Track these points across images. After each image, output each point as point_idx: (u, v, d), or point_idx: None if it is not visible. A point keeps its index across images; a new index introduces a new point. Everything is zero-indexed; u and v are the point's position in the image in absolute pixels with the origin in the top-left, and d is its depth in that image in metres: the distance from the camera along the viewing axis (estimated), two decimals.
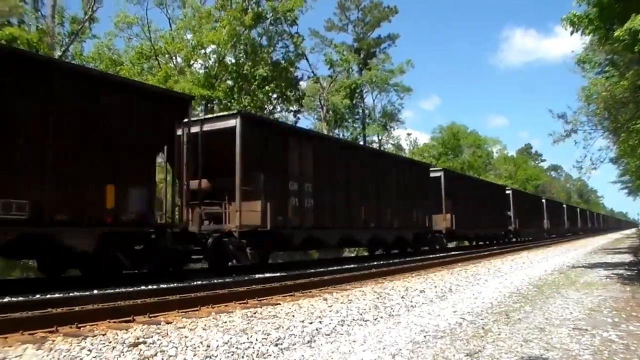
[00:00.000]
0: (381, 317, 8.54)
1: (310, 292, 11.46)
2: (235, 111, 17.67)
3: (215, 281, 12.88)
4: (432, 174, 30.91)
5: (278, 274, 15.09)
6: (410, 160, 33.75)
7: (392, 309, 9.38)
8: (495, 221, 40.88)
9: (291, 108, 43.56)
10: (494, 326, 7.77)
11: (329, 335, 7.07)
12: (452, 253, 28.29)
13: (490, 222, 39.46)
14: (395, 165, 26.42)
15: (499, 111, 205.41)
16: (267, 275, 14.97)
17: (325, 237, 20.13)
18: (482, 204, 37.58)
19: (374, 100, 60.41)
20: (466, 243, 40.90)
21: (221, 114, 18.30)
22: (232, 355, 5.84)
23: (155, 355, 5.66)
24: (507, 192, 47.32)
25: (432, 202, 29.49)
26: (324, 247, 23.40)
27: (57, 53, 28.12)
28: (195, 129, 16.04)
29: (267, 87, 36.43)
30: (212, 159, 16.40)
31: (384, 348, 6.31)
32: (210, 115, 18.52)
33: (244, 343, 6.26)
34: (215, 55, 34.84)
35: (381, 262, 20.22)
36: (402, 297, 10.73)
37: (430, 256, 24.94)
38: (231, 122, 16.45)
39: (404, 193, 25.84)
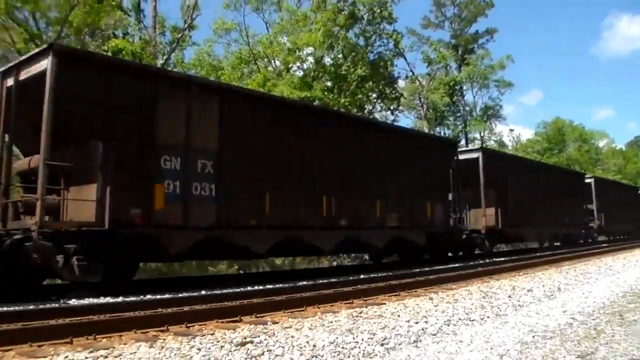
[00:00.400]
0: (488, 317, 8.39)
1: (415, 291, 11.36)
2: (47, 45, 11.09)
3: (321, 281, 12.95)
4: (463, 156, 23.57)
5: (383, 274, 15.05)
6: (421, 134, 26.50)
7: (499, 308, 9.19)
8: (570, 217, 32.98)
9: (391, 107, 43.44)
10: (606, 327, 7.50)
11: (435, 335, 6.99)
12: (515, 257, 22.86)
13: (562, 219, 31.63)
14: (394, 140, 19.12)
15: (605, 103, 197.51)
16: (372, 275, 14.93)
17: (244, 241, 13.32)
18: (547, 195, 29.99)
19: (474, 97, 59.56)
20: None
21: (33, 51, 11.79)
22: (338, 355, 5.86)
23: (262, 354, 5.74)
24: (588, 180, 38.37)
25: (466, 193, 22.62)
26: (247, 256, 15.88)
27: (160, 61, 29.01)
28: (10, 81, 11.66)
29: (366, 86, 36.41)
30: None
31: (491, 348, 6.19)
32: (25, 56, 11.88)
33: (349, 343, 6.26)
34: (312, 58, 35.12)
35: (486, 261, 19.82)
36: (509, 297, 10.50)
37: (537, 254, 23.84)
38: (42, 64, 10.69)
39: (410, 179, 18.96)
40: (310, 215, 15.18)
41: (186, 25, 32.17)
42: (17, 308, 8.53)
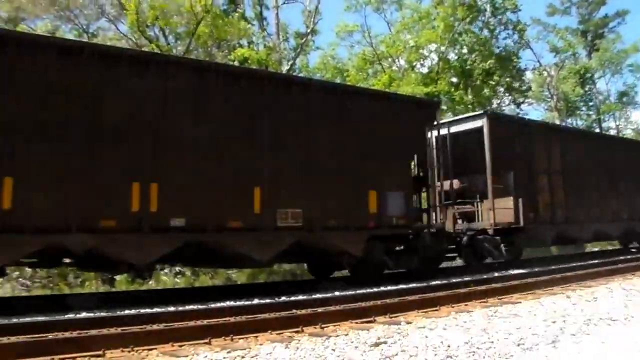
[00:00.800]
0: (632, 317, 7.96)
1: (552, 289, 11.03)
2: None
3: (454, 280, 12.80)
4: (460, 126, 18.25)
5: (518, 272, 14.70)
6: (354, 89, 18.21)
7: None
8: None
9: (519, 100, 42.41)
10: None
11: (574, 335, 6.72)
12: None
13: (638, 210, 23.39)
14: (295, 97, 13.18)
15: None
16: (508, 273, 14.60)
17: None
18: (617, 178, 22.31)
19: (607, 84, 57.03)
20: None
21: None
22: (473, 355, 5.75)
23: (396, 355, 5.71)
24: None
25: (470, 179, 17.73)
26: None
27: (285, 67, 29.53)
28: None
29: (491, 81, 35.71)
30: None
31: (638, 350, 5.90)
32: None
33: (484, 343, 6.15)
34: (435, 54, 34.82)
35: (627, 257, 18.87)
36: None
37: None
38: None
39: (332, 154, 13.31)
40: (104, 211, 10.27)
41: (308, 30, 32.58)
42: (158, 310, 8.95)
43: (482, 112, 18.65)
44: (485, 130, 17.45)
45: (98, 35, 26.08)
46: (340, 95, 14.23)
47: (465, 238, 16.83)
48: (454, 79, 34.70)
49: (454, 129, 18.01)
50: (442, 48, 33.66)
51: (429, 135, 15.81)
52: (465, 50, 35.56)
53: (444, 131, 17.21)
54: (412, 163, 15.55)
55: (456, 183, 17.45)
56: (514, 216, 17.12)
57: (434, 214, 15.49)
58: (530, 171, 18.59)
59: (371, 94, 17.15)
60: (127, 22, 24.15)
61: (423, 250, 14.71)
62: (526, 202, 17.42)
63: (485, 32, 37.23)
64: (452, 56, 35.58)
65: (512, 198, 17.26)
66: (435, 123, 16.02)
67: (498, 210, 17.10)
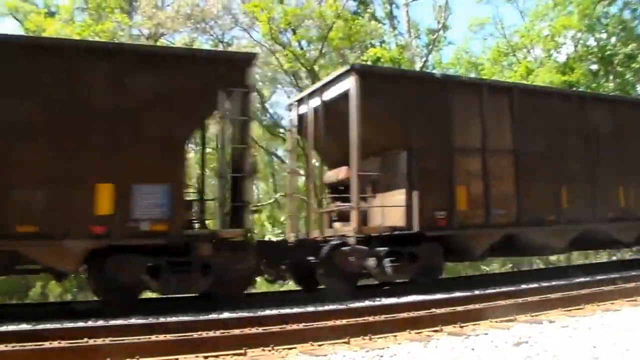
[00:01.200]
0: None
1: None
2: None
3: (599, 277, 12.29)
4: (331, 93, 12.81)
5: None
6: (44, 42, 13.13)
7: None
8: None
9: None
10: None
11: None
12: None
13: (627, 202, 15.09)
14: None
15: None
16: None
17: None
18: (622, 157, 14.90)
19: None
20: None
21: None
22: (622, 356, 5.51)
23: (538, 355, 5.56)
24: None
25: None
26: None
27: (418, 65, 29.37)
28: None
29: (634, 65, 33.98)
30: None
31: None
32: None
33: (634, 344, 5.87)
34: (572, 41, 33.60)
35: None
36: None
37: None
38: None
39: (33, 131, 9.40)
40: None
41: (439, 26, 32.32)
42: (297, 310, 9.13)
43: (349, 67, 12.37)
44: (353, 93, 11.66)
45: (232, 44, 26.91)
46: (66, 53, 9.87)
47: (325, 249, 11.55)
48: (594, 66, 33.34)
49: (328, 95, 12.96)
50: (579, 34, 32.43)
51: (226, 101, 11.01)
52: (604, 35, 34.04)
53: (314, 101, 13.28)
54: (189, 144, 12.04)
55: (345, 171, 12.58)
56: (405, 217, 11.80)
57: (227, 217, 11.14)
58: (446, 150, 12.47)
59: (101, 48, 11.75)
60: (261, 31, 24.83)
61: (222, 268, 10.33)
62: (431, 197, 11.96)
63: (627, 13, 35.48)
64: (591, 42, 34.21)
65: (404, 191, 11.97)
66: (245, 86, 10.98)
67: (371, 210, 12.67)
